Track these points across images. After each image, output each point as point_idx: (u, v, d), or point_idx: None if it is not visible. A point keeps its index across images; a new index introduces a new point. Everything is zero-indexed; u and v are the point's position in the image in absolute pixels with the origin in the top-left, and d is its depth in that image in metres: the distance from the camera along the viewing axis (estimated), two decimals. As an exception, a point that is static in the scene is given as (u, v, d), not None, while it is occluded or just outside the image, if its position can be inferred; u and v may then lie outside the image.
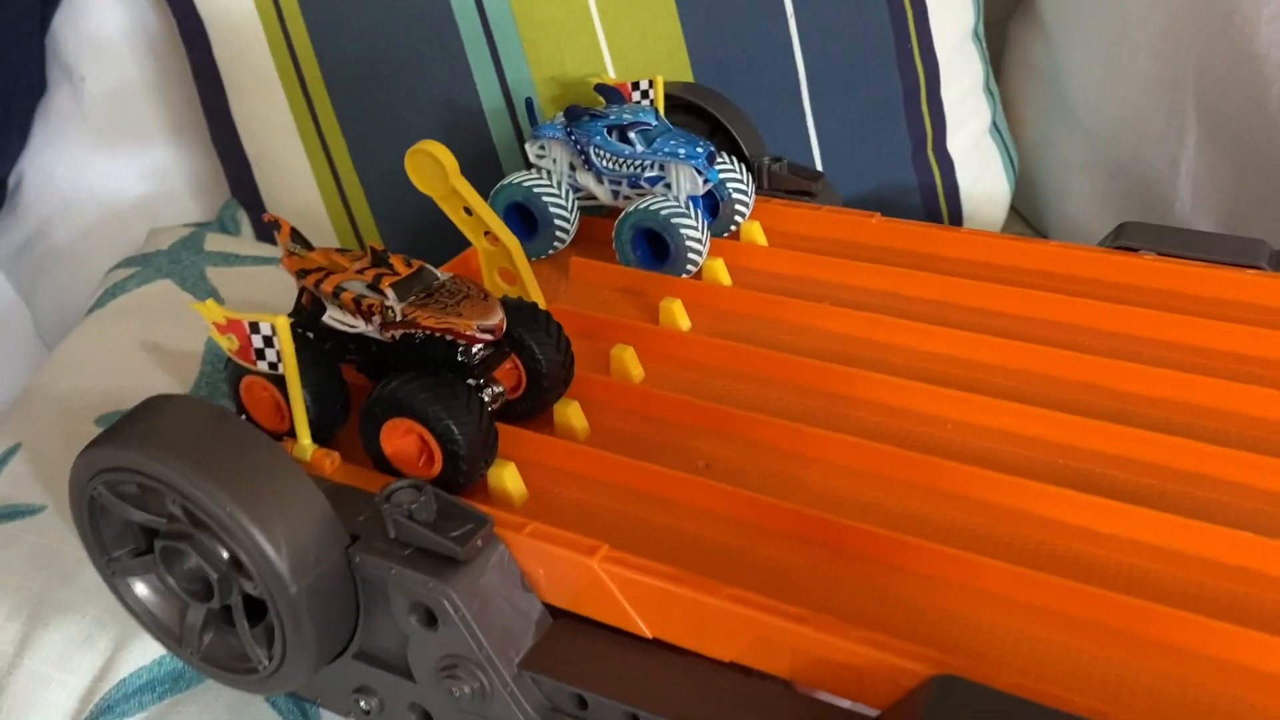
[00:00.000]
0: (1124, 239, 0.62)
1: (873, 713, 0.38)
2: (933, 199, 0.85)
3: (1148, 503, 0.44)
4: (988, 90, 0.89)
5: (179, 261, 0.77)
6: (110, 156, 0.94)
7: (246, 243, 0.82)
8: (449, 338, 0.46)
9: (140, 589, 0.47)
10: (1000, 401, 0.50)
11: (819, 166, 0.81)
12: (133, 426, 0.43)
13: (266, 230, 0.88)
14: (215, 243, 0.80)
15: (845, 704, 0.40)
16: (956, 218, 0.87)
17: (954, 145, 0.85)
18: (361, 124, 0.80)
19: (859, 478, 0.48)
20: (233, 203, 0.89)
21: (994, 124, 0.89)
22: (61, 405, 0.67)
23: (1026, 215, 0.95)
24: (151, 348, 0.70)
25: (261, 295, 0.75)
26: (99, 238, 0.93)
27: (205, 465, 0.41)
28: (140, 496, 0.45)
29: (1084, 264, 0.61)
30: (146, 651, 0.52)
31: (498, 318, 0.46)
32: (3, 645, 0.54)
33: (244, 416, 0.51)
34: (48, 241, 0.95)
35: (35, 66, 0.93)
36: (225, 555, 0.43)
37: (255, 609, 0.45)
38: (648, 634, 0.42)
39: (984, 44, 0.89)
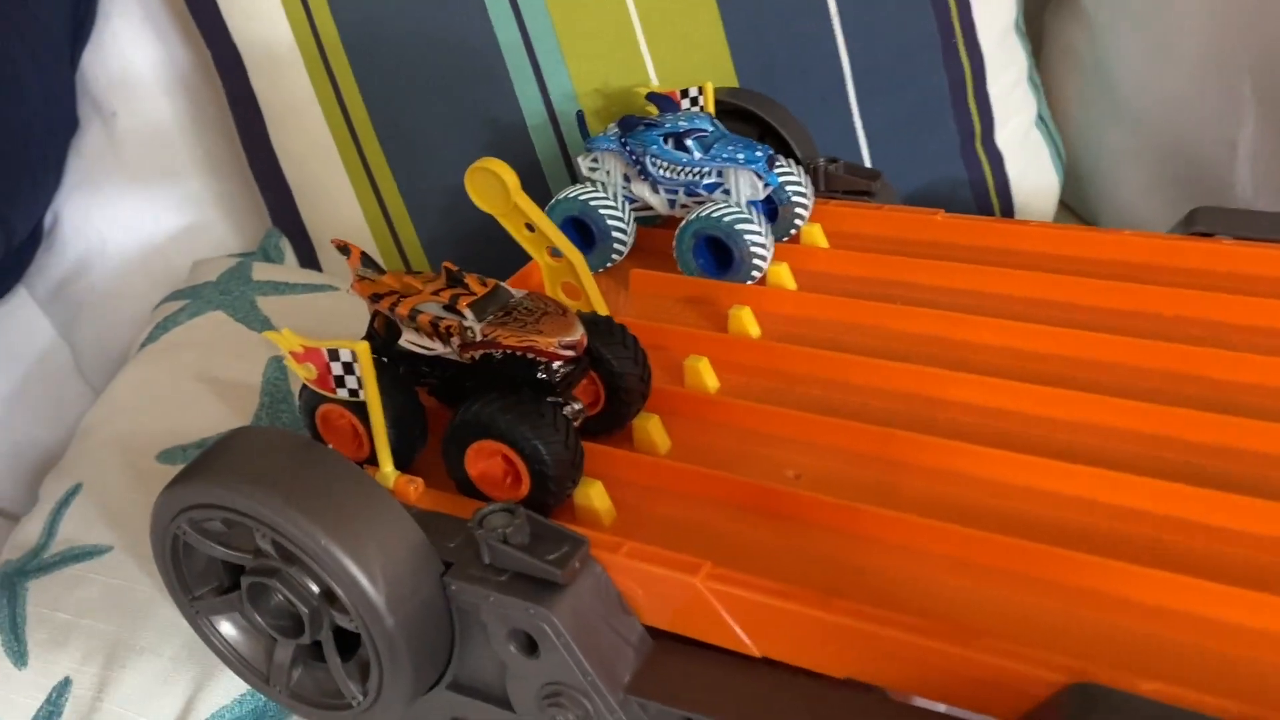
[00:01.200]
0: (1198, 224, 0.60)
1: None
2: (983, 194, 0.84)
3: (1272, 495, 0.42)
4: (1032, 82, 0.87)
5: (229, 292, 0.76)
6: (145, 191, 0.93)
7: (294, 271, 0.81)
8: (530, 356, 0.45)
9: (226, 627, 0.46)
10: (1101, 397, 0.49)
11: (867, 166, 0.79)
12: (217, 461, 0.42)
13: (310, 257, 0.87)
14: (263, 272, 0.79)
15: (966, 715, 0.39)
16: (1008, 212, 0.85)
17: (1002, 139, 0.84)
18: (404, 145, 0.79)
19: (959, 481, 0.46)
20: (275, 231, 0.88)
21: (1040, 116, 0.88)
22: (121, 443, 0.66)
23: (1075, 207, 0.94)
24: (208, 380, 0.69)
25: (313, 322, 0.74)
26: (138, 273, 0.93)
27: (297, 498, 0.40)
28: (225, 533, 0.44)
29: (1160, 252, 0.59)
30: (227, 690, 0.51)
31: (579, 333, 0.45)
32: (81, 689, 0.53)
33: (319, 446, 0.50)
34: (86, 279, 0.94)
35: (66, 104, 0.93)
36: (317, 589, 0.42)
37: (346, 642, 0.44)
38: (756, 653, 0.41)
39: (1025, 35, 0.87)
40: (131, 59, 0.91)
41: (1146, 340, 0.52)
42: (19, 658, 0.54)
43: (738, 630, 0.41)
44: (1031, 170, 0.86)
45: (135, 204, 0.93)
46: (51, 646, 0.54)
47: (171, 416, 0.67)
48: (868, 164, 0.80)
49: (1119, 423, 0.48)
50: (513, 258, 0.64)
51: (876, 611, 0.38)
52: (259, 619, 0.45)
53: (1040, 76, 0.93)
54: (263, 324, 0.73)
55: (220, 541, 0.44)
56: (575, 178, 0.80)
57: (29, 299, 0.96)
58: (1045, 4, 0.95)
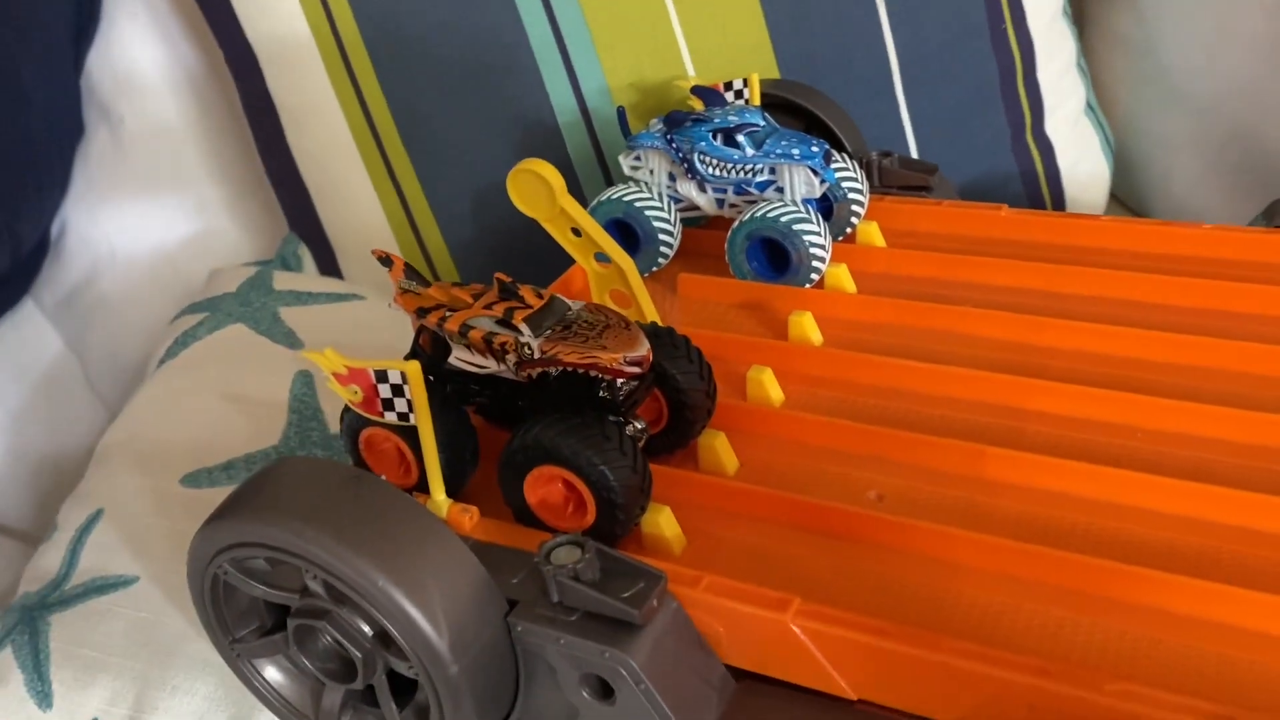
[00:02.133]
0: (1282, 216, 0.57)
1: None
2: (1034, 185, 0.80)
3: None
4: (1080, 67, 0.84)
5: (249, 304, 0.73)
6: (154, 197, 0.91)
7: (316, 280, 0.78)
8: (593, 374, 0.42)
9: (270, 672, 0.43)
10: (1197, 405, 0.45)
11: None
12: (261, 496, 0.39)
13: (330, 264, 0.84)
14: (284, 281, 0.75)
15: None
16: (1060, 204, 0.82)
17: (1052, 128, 0.81)
18: (429, 146, 0.76)
19: (1054, 501, 0.43)
20: (293, 238, 0.85)
21: (1089, 103, 0.84)
22: (142, 465, 0.63)
23: (1124, 198, 0.90)
24: (231, 398, 0.65)
25: (340, 334, 0.71)
26: (149, 282, 0.90)
27: (350, 536, 0.36)
28: (268, 571, 0.40)
29: (1243, 247, 0.56)
30: (267, 732, 0.48)
31: (645, 348, 0.42)
32: (110, 733, 0.50)
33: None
34: (95, 289, 0.91)
35: (72, 109, 0.90)
36: (370, 631, 0.39)
37: (399, 684, 0.41)
38: (852, 696, 0.38)
39: (1071, 19, 0.84)
40: (138, 61, 0.88)
41: (1237, 342, 0.49)
42: (44, 699, 0.51)
43: (832, 671, 0.37)
44: (1083, 160, 0.82)
45: (144, 211, 0.90)
46: (78, 686, 0.51)
47: (195, 437, 0.63)
48: (914, 157, 0.76)
49: (1219, 433, 0.45)
50: (546, 262, 0.61)
51: (991, 651, 0.35)
52: (306, 662, 0.41)
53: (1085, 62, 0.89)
54: (286, 336, 0.70)
55: (264, 581, 0.40)
56: (610, 177, 0.76)
57: (36, 310, 0.93)
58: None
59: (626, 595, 0.37)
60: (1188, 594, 0.38)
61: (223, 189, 0.91)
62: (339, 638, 0.39)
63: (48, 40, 0.85)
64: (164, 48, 0.88)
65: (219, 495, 0.59)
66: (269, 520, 0.38)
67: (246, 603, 0.42)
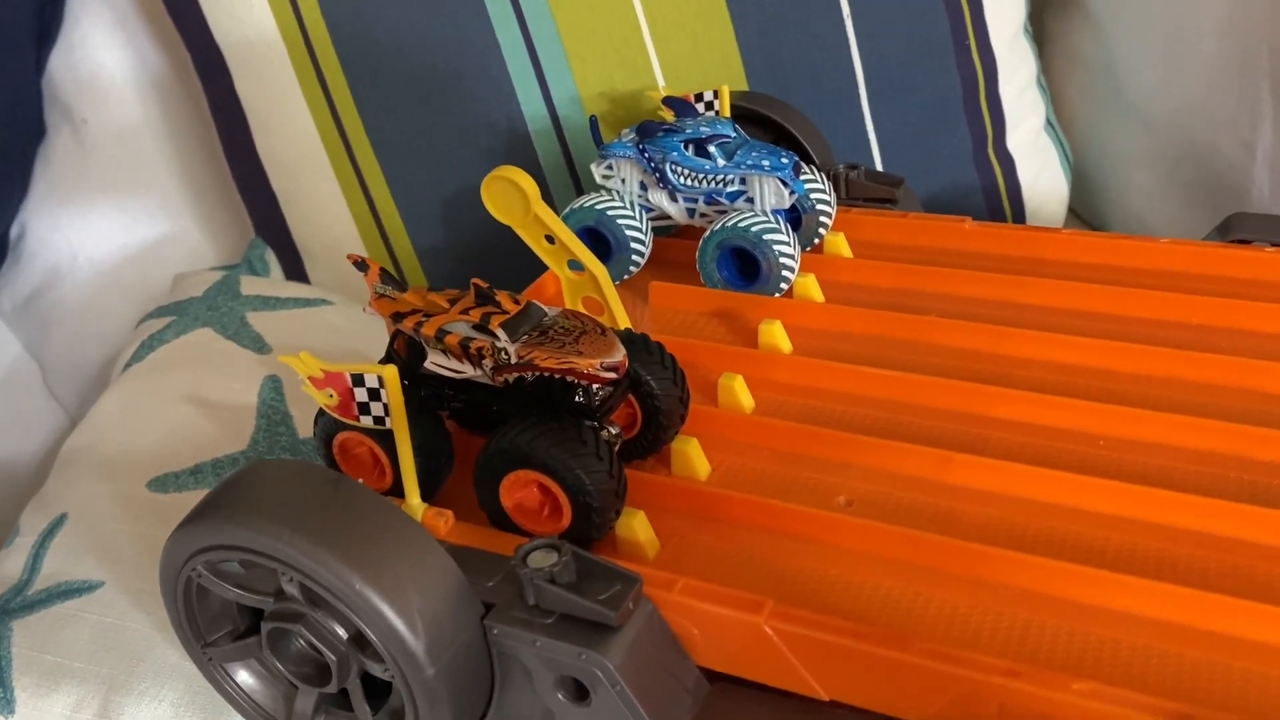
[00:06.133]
0: (1236, 232, 0.59)
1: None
2: (995, 199, 0.82)
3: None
4: (1040, 84, 0.86)
5: (216, 308, 0.72)
6: (117, 201, 0.90)
7: (284, 285, 0.78)
8: (569, 379, 0.42)
9: (242, 675, 0.43)
10: (1156, 414, 0.47)
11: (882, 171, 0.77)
12: (236, 499, 0.39)
13: (297, 270, 0.84)
14: (252, 286, 0.75)
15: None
16: (1020, 217, 0.83)
17: (1013, 143, 0.82)
18: (398, 152, 0.76)
19: (1020, 507, 0.44)
20: (259, 242, 0.84)
21: (1049, 119, 0.86)
22: (107, 469, 0.62)
23: (1082, 212, 0.92)
24: (198, 402, 0.65)
25: (308, 339, 0.71)
26: (110, 286, 0.89)
27: (328, 539, 0.37)
28: (242, 575, 0.40)
29: (1200, 260, 0.57)
30: (236, 738, 0.48)
31: (621, 354, 0.42)
32: (75, 740, 0.49)
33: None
34: (55, 293, 0.90)
35: (33, 110, 0.89)
36: (345, 635, 0.39)
37: (373, 688, 0.41)
38: (824, 696, 0.38)
39: (1032, 37, 0.86)
40: (102, 62, 0.87)
41: (1193, 353, 0.50)
42: (5, 705, 0.50)
43: (804, 673, 0.38)
44: (1043, 175, 0.84)
45: (107, 214, 0.89)
46: (40, 693, 0.51)
47: (161, 440, 0.63)
48: (879, 170, 0.78)
49: (1176, 441, 0.46)
50: (515, 269, 0.61)
51: (961, 653, 0.36)
52: (279, 666, 0.41)
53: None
54: (254, 341, 0.70)
55: (237, 584, 0.40)
56: (579, 185, 0.77)
57: (-6, 314, 0.91)
58: (1045, 5, 0.94)
59: (603, 598, 0.38)
60: (1147, 596, 0.39)
61: (187, 193, 0.90)
62: (314, 641, 0.39)
63: (8, 40, 0.84)
64: (129, 49, 0.87)
65: (186, 500, 0.59)
66: (247, 523, 0.38)
67: (219, 606, 0.42)
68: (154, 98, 0.89)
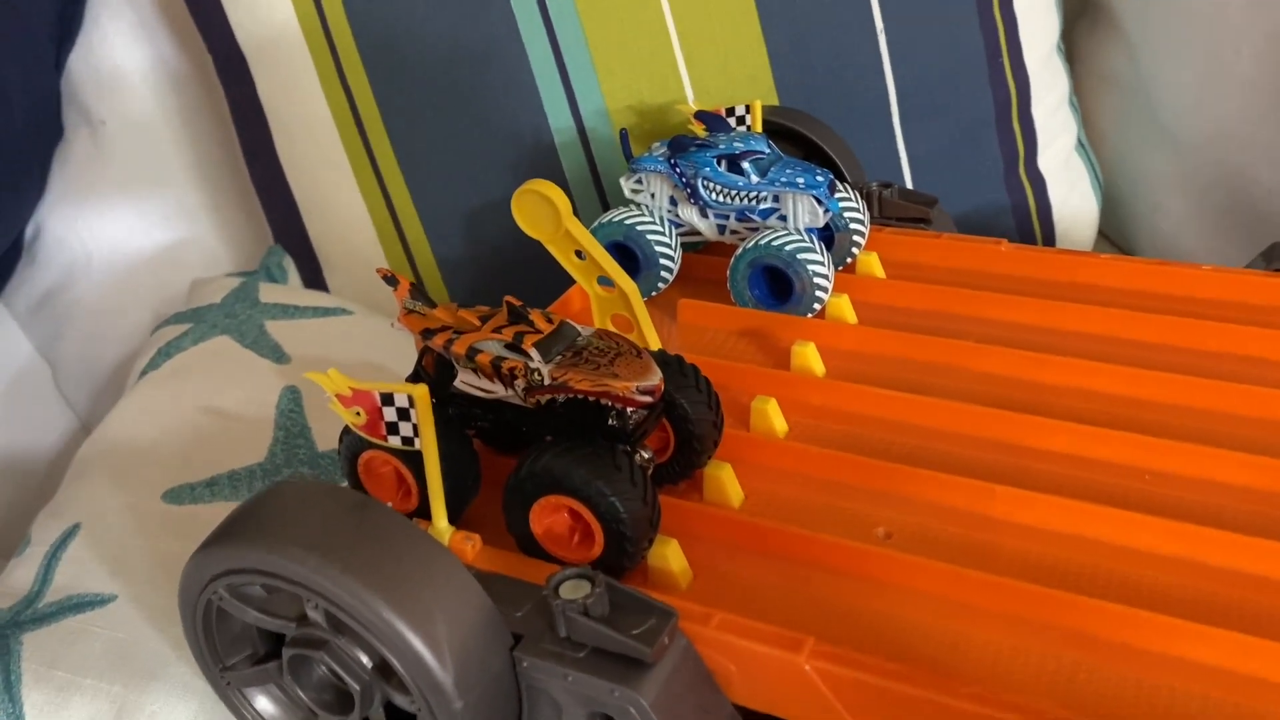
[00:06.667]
0: (1280, 260, 0.57)
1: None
2: (1026, 220, 0.80)
3: None
4: (1072, 104, 0.84)
5: (235, 315, 0.71)
6: (134, 203, 0.89)
7: (302, 293, 0.76)
8: (604, 402, 0.41)
9: (261, 702, 0.41)
10: (1203, 448, 0.45)
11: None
12: (259, 520, 0.38)
13: (316, 278, 0.82)
14: (270, 293, 0.74)
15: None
16: (1050, 239, 0.82)
17: (1045, 163, 0.81)
18: (422, 161, 0.75)
19: (1062, 542, 0.43)
20: (278, 249, 0.83)
21: (1080, 140, 0.85)
22: (121, 479, 0.61)
23: (1111, 236, 0.91)
24: (215, 412, 0.64)
25: (325, 349, 0.70)
26: (125, 290, 0.88)
27: (355, 565, 0.35)
28: (264, 598, 0.39)
29: (1245, 289, 0.56)
30: (252, 762, 0.46)
31: (658, 377, 0.41)
32: (85, 760, 0.48)
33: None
34: (69, 295, 0.89)
35: (51, 110, 0.88)
36: (369, 663, 0.38)
37: (396, 715, 0.39)
38: (864, 738, 0.37)
39: (1064, 56, 0.84)
40: (122, 63, 0.86)
41: (1243, 386, 0.49)
42: (14, 722, 0.49)
43: (845, 715, 0.37)
44: (1073, 196, 0.83)
45: (123, 216, 0.88)
46: (50, 710, 0.49)
47: (176, 451, 0.62)
48: (909, 188, 0.76)
49: (1226, 477, 0.45)
50: (538, 283, 0.60)
51: (1009, 697, 0.35)
52: (299, 693, 0.40)
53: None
54: (273, 350, 0.68)
55: (259, 607, 0.39)
56: (605, 199, 0.75)
57: (7, 315, 0.90)
58: (1072, 22, 0.93)
59: (637, 632, 0.37)
60: (1202, 642, 0.37)
61: (205, 197, 0.89)
62: (336, 669, 0.38)
63: (28, 39, 0.83)
64: (149, 50, 0.86)
65: (201, 512, 0.58)
66: (271, 547, 0.36)
67: (239, 629, 0.41)
68: (173, 100, 0.88)
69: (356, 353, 0.69)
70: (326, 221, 0.79)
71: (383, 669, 0.38)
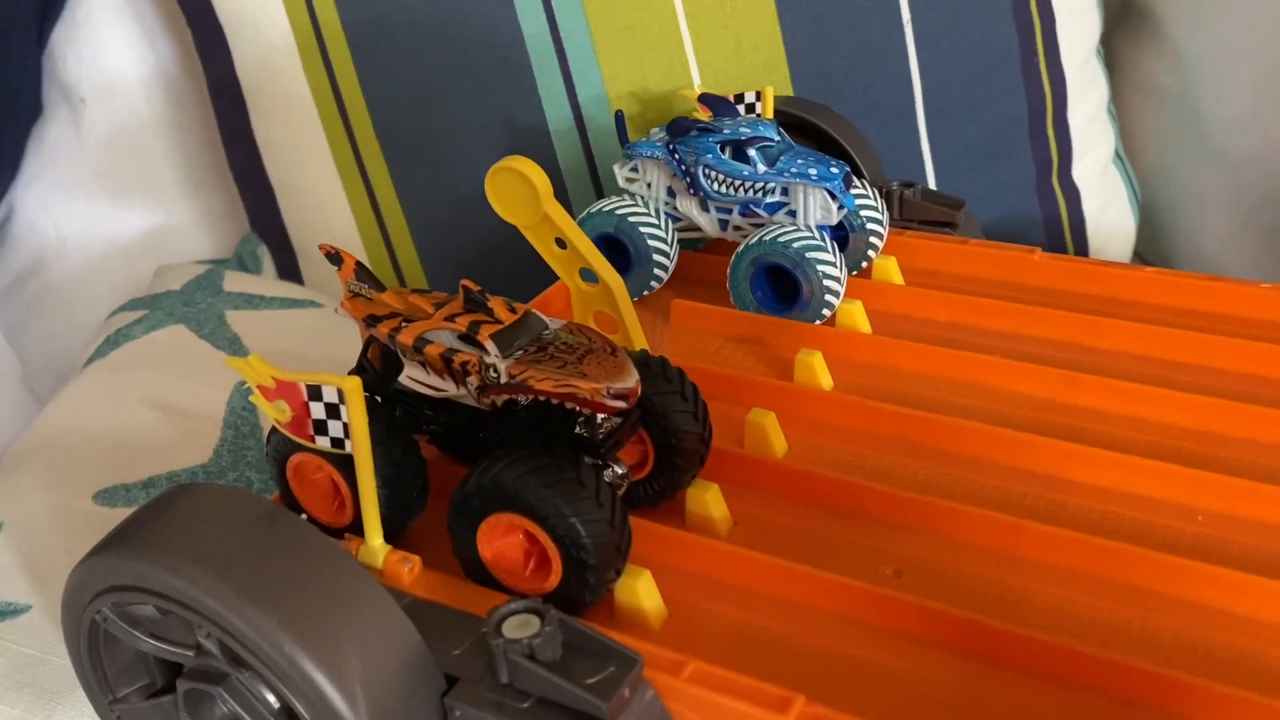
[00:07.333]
0: (1346, 279, 0.51)
1: None
2: (1057, 233, 0.74)
3: None
4: (1110, 113, 0.78)
5: (194, 304, 0.66)
6: (111, 187, 0.85)
7: (271, 283, 0.71)
8: (569, 405, 0.35)
9: (154, 740, 0.35)
10: (1262, 485, 0.39)
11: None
12: (151, 529, 0.32)
13: (291, 268, 0.77)
14: (235, 282, 0.69)
15: None
16: (1082, 254, 0.76)
17: (1079, 173, 0.75)
18: (407, 147, 0.70)
19: (1102, 590, 0.37)
20: (253, 237, 0.78)
21: (1117, 151, 0.79)
22: (53, 476, 0.55)
23: (1147, 254, 0.84)
24: (161, 406, 0.58)
25: (288, 343, 0.64)
26: (98, 277, 0.84)
27: (254, 588, 0.29)
28: (158, 620, 0.33)
29: (1306, 310, 0.50)
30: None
31: (633, 379, 0.35)
32: (-28, 793, 0.42)
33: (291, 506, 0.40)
34: (40, 281, 0.85)
35: (31, 87, 0.84)
36: (276, 703, 0.32)
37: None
38: (861, 819, 0.31)
39: (1104, 61, 0.79)
40: (106, 42, 0.82)
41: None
42: (-101, 746, 0.43)
43: (838, 790, 0.30)
44: (1109, 210, 0.77)
45: (99, 200, 0.84)
46: (-59, 733, 0.44)
47: (116, 448, 0.56)
48: (934, 190, 0.70)
49: (1284, 519, 0.39)
50: (528, 281, 0.55)
51: (1040, 783, 0.28)
52: (197, 733, 0.34)
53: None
54: (230, 342, 0.63)
55: (152, 632, 0.33)
56: (602, 191, 0.70)
57: (-25, 302, 0.86)
58: (1114, 31, 0.87)
59: (592, 681, 0.31)
60: (1262, 712, 0.31)
61: (186, 183, 0.85)
62: (237, 708, 0.32)
63: (9, 13, 0.79)
64: (135, 29, 0.82)
65: (133, 517, 0.53)
66: (157, 560, 0.30)
67: (131, 656, 0.35)
68: (158, 82, 0.84)
69: (323, 348, 0.64)
70: (303, 208, 0.74)
71: (290, 711, 0.32)
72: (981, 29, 0.68)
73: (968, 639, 0.34)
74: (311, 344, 0.64)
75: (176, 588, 0.30)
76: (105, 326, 0.67)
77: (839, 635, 0.36)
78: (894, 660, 0.34)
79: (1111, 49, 0.85)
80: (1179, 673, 0.32)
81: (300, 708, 0.30)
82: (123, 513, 0.53)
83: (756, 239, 0.51)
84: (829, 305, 0.51)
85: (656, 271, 0.54)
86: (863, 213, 0.54)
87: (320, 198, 0.73)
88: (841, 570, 0.37)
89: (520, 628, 0.31)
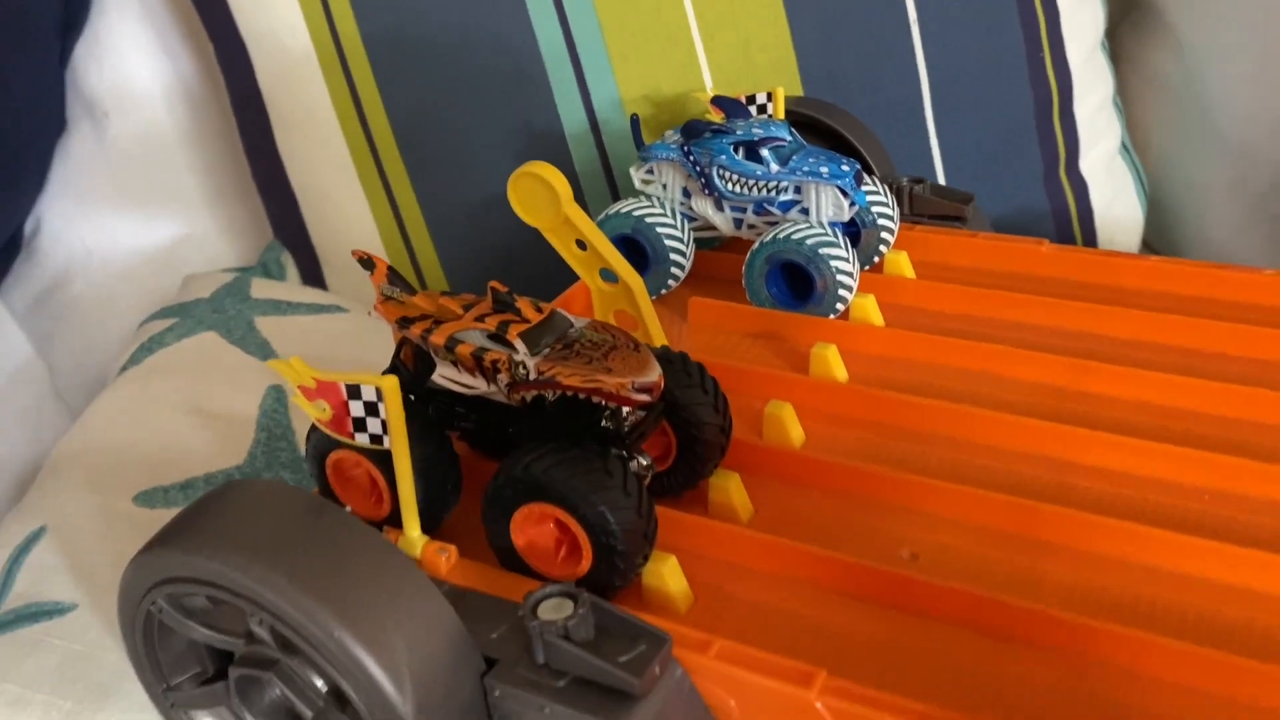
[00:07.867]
0: (1351, 265, 0.52)
1: None
2: (1066, 225, 0.76)
3: None
4: (1116, 105, 0.80)
5: (223, 310, 0.67)
6: (136, 199, 0.86)
7: (297, 289, 0.73)
8: (595, 400, 0.37)
9: (208, 725, 0.37)
10: (1268, 466, 0.40)
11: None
12: (205, 523, 0.33)
13: (315, 275, 0.79)
14: (263, 289, 0.70)
15: None
16: (1091, 245, 0.77)
17: (1086, 166, 0.76)
18: (427, 154, 0.71)
19: (1111, 569, 0.38)
20: (277, 245, 0.80)
21: (1124, 143, 0.80)
22: (93, 480, 0.57)
23: (1156, 244, 0.85)
24: (195, 411, 0.60)
25: (319, 348, 0.66)
26: (124, 287, 0.85)
27: (305, 577, 0.31)
28: (210, 610, 0.35)
29: (1311, 295, 0.51)
30: (207, 790, 0.42)
31: (656, 374, 0.37)
32: (29, 782, 0.44)
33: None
34: (68, 292, 0.86)
35: (54, 102, 0.86)
36: (324, 686, 0.33)
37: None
38: (883, 787, 0.32)
39: (1109, 54, 0.80)
40: (127, 56, 0.84)
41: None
42: (-43, 740, 0.45)
43: (861, 760, 0.32)
44: (1117, 202, 0.78)
45: (125, 212, 0.86)
46: (-5, 727, 0.45)
47: (153, 452, 0.58)
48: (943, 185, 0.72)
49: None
50: (547, 283, 0.56)
51: (1053, 748, 0.30)
52: (250, 717, 0.36)
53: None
54: (260, 347, 0.65)
55: (204, 621, 0.35)
56: (618, 195, 0.71)
57: (4, 311, 0.87)
58: (1118, 23, 0.88)
59: (624, 660, 0.32)
60: (1273, 683, 0.32)
61: (209, 193, 0.86)
62: (288, 692, 0.34)
63: (33, 30, 0.81)
64: (155, 42, 0.84)
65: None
66: (210, 553, 0.32)
67: (184, 645, 0.37)
68: (179, 93, 0.85)
69: (350, 352, 0.65)
70: (326, 216, 0.76)
71: (339, 693, 0.33)
72: (987, 25, 0.70)
73: (982, 617, 0.36)
74: (339, 348, 0.65)
75: (230, 577, 0.32)
76: (138, 335, 0.68)
77: (857, 615, 0.37)
78: (910, 638, 0.36)
79: (1116, 41, 0.86)
80: (1189, 644, 0.34)
81: (349, 689, 0.32)
82: (162, 513, 0.55)
83: (771, 237, 0.52)
84: (842, 300, 0.52)
85: (674, 270, 0.56)
86: (874, 209, 0.55)
87: (342, 205, 0.74)
88: (859, 553, 0.39)
89: (555, 610, 0.33)
